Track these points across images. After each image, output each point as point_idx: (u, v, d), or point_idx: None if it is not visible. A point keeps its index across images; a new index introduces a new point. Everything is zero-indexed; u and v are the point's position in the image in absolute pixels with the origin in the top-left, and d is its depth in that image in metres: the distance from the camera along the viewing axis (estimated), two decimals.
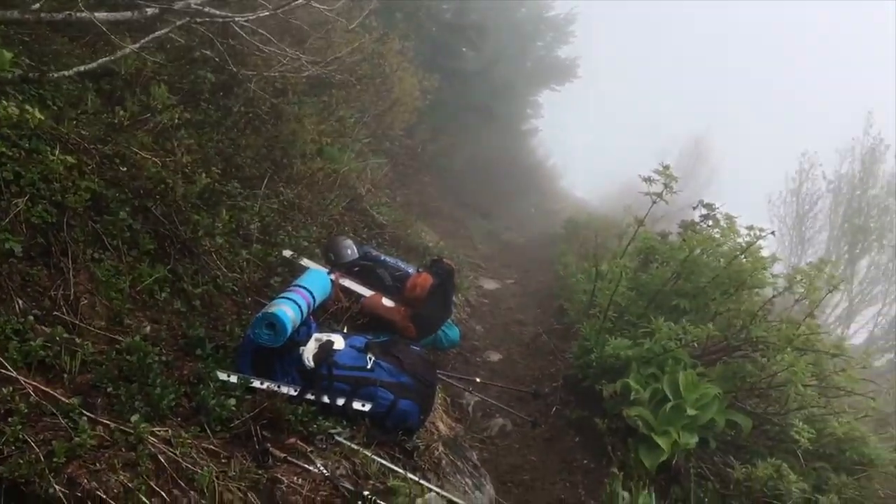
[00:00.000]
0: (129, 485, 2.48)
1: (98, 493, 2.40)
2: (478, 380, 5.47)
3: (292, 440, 3.31)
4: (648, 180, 5.49)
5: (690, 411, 4.63)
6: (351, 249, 5.54)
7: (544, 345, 6.76)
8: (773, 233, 5.46)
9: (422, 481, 3.52)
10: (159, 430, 2.82)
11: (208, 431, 3.04)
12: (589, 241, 10.42)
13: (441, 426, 4.49)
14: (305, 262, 5.00)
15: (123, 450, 2.62)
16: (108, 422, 2.72)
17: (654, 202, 5.51)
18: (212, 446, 2.96)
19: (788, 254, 17.39)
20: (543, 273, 10.15)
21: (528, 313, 8.14)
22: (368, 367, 3.85)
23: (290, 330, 3.66)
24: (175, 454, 2.72)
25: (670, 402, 4.70)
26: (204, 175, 4.10)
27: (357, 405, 3.70)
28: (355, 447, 3.44)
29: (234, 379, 3.45)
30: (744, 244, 5.48)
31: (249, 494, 2.82)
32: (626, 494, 4.07)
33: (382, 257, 5.71)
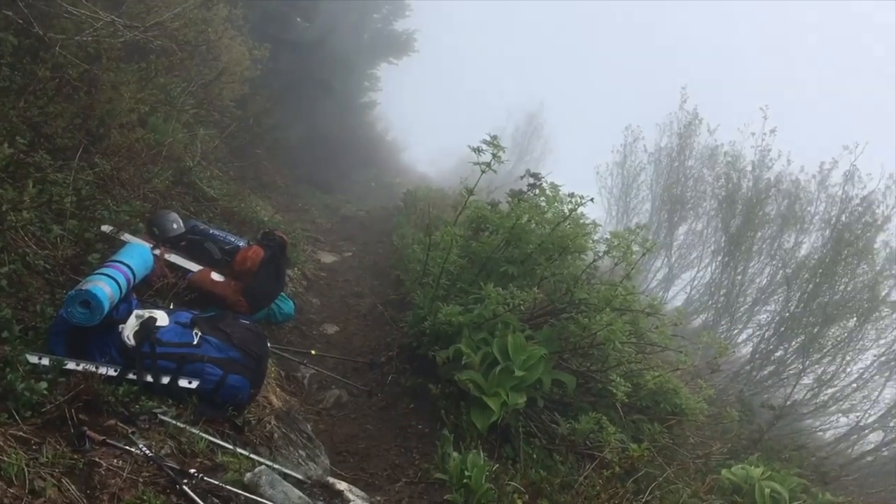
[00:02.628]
0: None
1: None
2: (313, 352, 5.45)
3: (112, 422, 3.17)
4: (477, 150, 5.61)
5: (518, 373, 4.82)
6: (177, 223, 5.33)
7: (381, 315, 6.80)
8: (591, 199, 5.72)
9: (252, 455, 3.48)
10: None
11: (17, 418, 2.86)
12: (426, 212, 10.59)
13: (274, 400, 4.44)
14: (127, 237, 4.75)
15: None
16: None
17: (484, 171, 5.65)
18: (21, 433, 2.78)
19: (616, 223, 18.30)
20: (382, 245, 10.19)
21: (366, 285, 8.16)
22: (195, 343, 3.74)
23: (107, 307, 3.48)
24: None
25: (500, 365, 4.86)
26: (6, 145, 3.81)
27: (183, 382, 3.60)
28: (181, 425, 3.34)
29: (45, 361, 3.25)
30: (567, 211, 5.73)
31: (64, 480, 2.67)
32: (456, 455, 4.20)
33: (211, 231, 5.53)
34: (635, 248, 5.63)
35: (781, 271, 12.19)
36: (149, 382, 3.50)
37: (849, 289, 10.73)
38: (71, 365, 3.34)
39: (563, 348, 5.53)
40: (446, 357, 5.08)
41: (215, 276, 4.97)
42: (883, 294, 10.55)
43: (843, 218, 11.02)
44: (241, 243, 5.43)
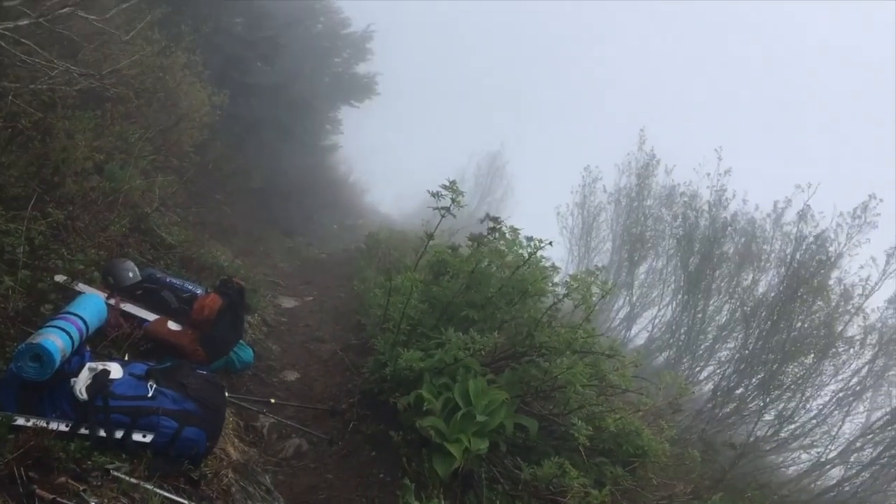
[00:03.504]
0: None
1: None
2: (273, 401, 5.37)
3: (63, 479, 3.08)
4: (436, 195, 5.65)
5: (480, 417, 4.80)
6: (132, 272, 5.26)
7: (342, 361, 6.75)
8: (550, 243, 5.77)
9: None
10: None
11: None
12: (388, 255, 10.59)
13: (232, 451, 4.36)
14: (81, 287, 4.68)
15: None
16: None
17: (443, 216, 5.68)
18: None
19: (577, 262, 18.50)
20: (344, 289, 10.14)
21: (327, 330, 8.10)
22: (150, 395, 3.67)
23: (58, 361, 3.41)
24: None
25: (461, 410, 4.84)
26: None
27: (137, 437, 3.52)
28: (135, 481, 3.26)
29: None
30: (526, 255, 5.77)
31: None
32: None
33: (168, 279, 5.46)
34: (595, 290, 5.67)
35: (740, 309, 12.36)
36: (102, 437, 3.42)
37: (806, 326, 10.88)
38: (21, 421, 3.26)
39: (525, 392, 5.52)
40: (407, 403, 5.04)
41: (172, 326, 4.90)
42: (839, 330, 10.73)
43: (798, 256, 11.21)
44: (199, 291, 5.38)
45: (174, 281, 5.47)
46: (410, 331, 5.76)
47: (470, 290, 5.91)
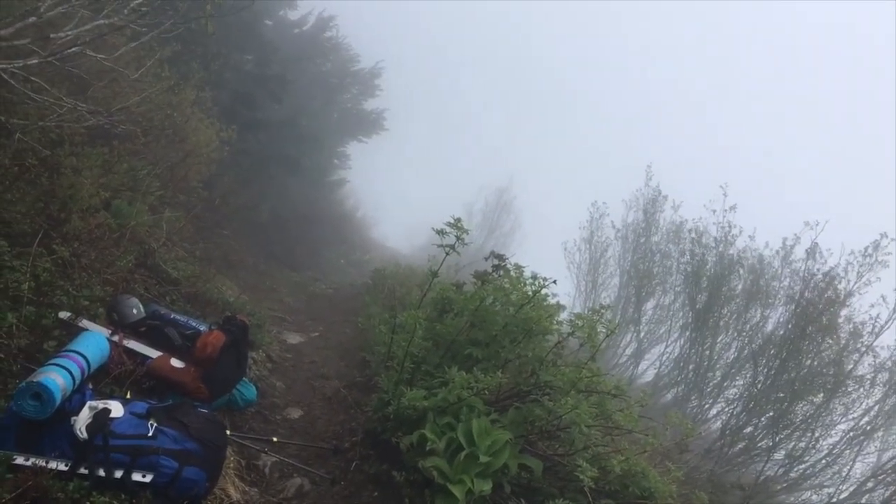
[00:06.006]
0: None
1: None
2: (275, 439, 5.32)
3: None
4: (441, 233, 5.65)
5: (483, 458, 4.74)
6: (136, 308, 5.27)
7: (345, 399, 6.71)
8: (555, 281, 5.75)
9: None
10: None
11: None
12: (394, 291, 10.58)
13: (232, 491, 4.32)
14: (85, 323, 4.68)
15: None
16: None
17: (448, 254, 5.67)
18: None
19: (585, 298, 18.47)
20: (350, 324, 10.12)
21: (332, 366, 8.07)
22: (150, 434, 3.65)
23: (58, 400, 3.40)
24: None
25: (465, 451, 4.78)
26: None
27: (137, 476, 3.48)
28: None
29: None
30: (530, 293, 5.75)
31: None
32: None
33: (172, 315, 5.45)
34: (600, 329, 5.63)
35: (748, 346, 12.28)
36: (101, 477, 3.39)
37: (815, 364, 10.80)
38: (20, 460, 3.24)
39: (530, 432, 5.46)
40: (410, 443, 4.99)
41: (175, 363, 4.89)
42: (848, 369, 10.64)
43: (807, 294, 11.15)
44: (203, 328, 5.36)
45: (178, 317, 5.47)
46: (414, 369, 5.73)
47: (474, 328, 5.89)
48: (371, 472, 5.32)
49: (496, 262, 6.42)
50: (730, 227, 12.92)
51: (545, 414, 5.34)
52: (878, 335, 10.49)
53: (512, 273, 6.23)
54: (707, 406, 13.07)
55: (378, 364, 6.56)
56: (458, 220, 5.67)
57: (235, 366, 5.25)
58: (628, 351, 16.42)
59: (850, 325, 10.76)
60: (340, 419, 6.42)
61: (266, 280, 12.26)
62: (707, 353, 13.02)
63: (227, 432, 4.44)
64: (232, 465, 4.69)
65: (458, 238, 5.65)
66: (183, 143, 8.33)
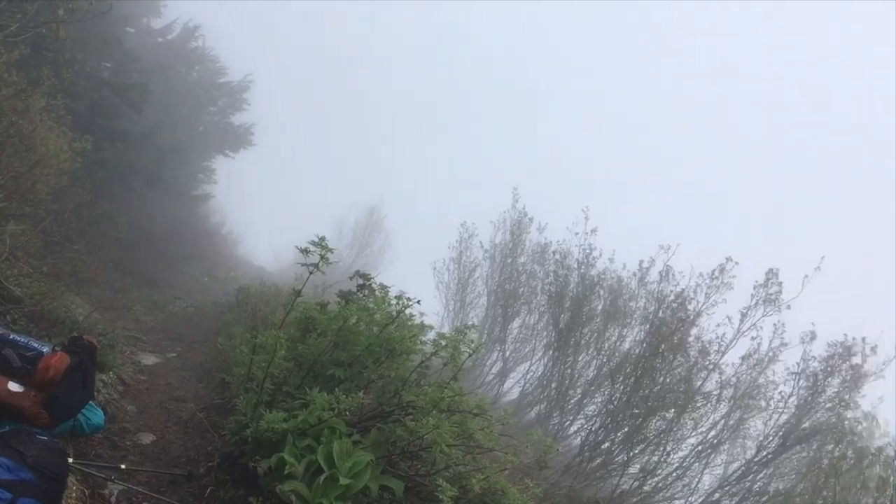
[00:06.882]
0: None
1: None
2: (123, 466, 5.07)
3: None
4: (305, 251, 5.56)
5: (344, 480, 4.67)
6: None
7: (202, 422, 6.46)
8: (419, 301, 5.78)
9: None
10: None
11: None
12: (258, 310, 10.32)
13: None
14: None
15: None
16: None
17: (311, 273, 5.59)
18: None
19: (453, 317, 18.69)
20: (210, 345, 9.78)
21: (190, 389, 7.76)
22: None
23: None
24: None
25: (324, 473, 4.70)
26: None
27: None
28: None
29: None
30: (394, 313, 5.75)
31: None
32: None
33: (11, 336, 5.07)
34: (463, 348, 5.69)
35: (607, 364, 12.75)
36: None
37: (667, 381, 11.31)
38: None
39: (392, 452, 5.43)
40: (269, 467, 4.85)
41: (13, 387, 4.55)
42: (697, 385, 11.21)
43: (661, 314, 11.69)
44: (46, 349, 5.02)
45: (18, 338, 5.09)
46: (275, 390, 5.59)
47: (337, 348, 5.81)
48: (227, 499, 5.13)
49: (361, 281, 6.38)
50: (591, 249, 13.41)
51: (407, 434, 5.33)
52: (723, 353, 11.10)
53: (377, 293, 6.22)
54: (568, 423, 13.46)
55: (237, 386, 6.36)
56: (323, 238, 5.61)
57: (81, 389, 4.94)
58: (494, 369, 16.69)
59: (699, 344, 11.34)
60: (196, 443, 6.18)
61: (122, 298, 11.72)
62: (569, 371, 13.42)
63: (70, 460, 4.18)
64: (74, 495, 4.41)
65: (322, 257, 5.58)
66: (30, 153, 7.82)
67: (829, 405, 10.05)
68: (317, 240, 5.58)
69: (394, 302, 5.86)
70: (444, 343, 5.62)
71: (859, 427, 10.00)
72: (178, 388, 7.78)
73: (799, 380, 10.48)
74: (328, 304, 6.61)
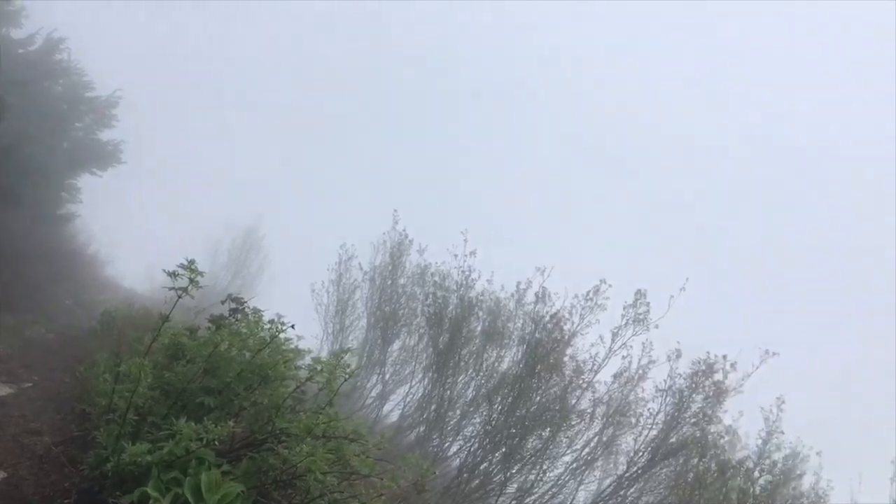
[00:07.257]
0: None
1: None
2: None
3: None
4: (174, 275, 5.33)
5: None
6: None
7: (59, 457, 6.05)
8: (293, 326, 5.65)
9: None
10: None
11: None
12: (124, 336, 9.83)
13: None
14: None
15: None
16: None
17: (180, 297, 5.36)
18: None
19: (332, 341, 18.43)
20: (71, 373, 9.22)
21: (46, 421, 7.25)
22: None
23: None
24: None
25: None
26: None
27: None
28: None
29: None
30: (268, 338, 5.59)
31: None
32: None
33: None
34: (340, 373, 5.59)
35: (485, 385, 12.87)
36: None
37: (543, 400, 11.53)
38: None
39: (264, 482, 5.26)
40: (131, 502, 4.59)
41: None
42: (572, 404, 11.48)
43: (537, 334, 11.93)
44: None
45: None
46: (139, 421, 5.32)
47: (207, 375, 5.61)
48: None
49: (234, 305, 6.18)
50: (470, 271, 13.57)
51: (280, 463, 5.18)
52: (597, 372, 11.46)
53: (250, 317, 6.03)
54: (447, 444, 13.49)
55: (98, 416, 6.00)
56: (192, 261, 5.40)
57: None
58: (374, 392, 16.59)
59: (574, 363, 11.65)
60: (52, 479, 5.76)
61: None
62: (448, 392, 13.47)
63: None
64: None
65: (191, 280, 5.36)
66: None
67: (693, 420, 10.48)
68: (186, 263, 5.37)
69: (268, 326, 5.70)
70: (319, 368, 5.51)
71: (722, 441, 10.48)
72: (33, 419, 7.26)
73: (666, 396, 10.91)
74: (199, 329, 6.37)
